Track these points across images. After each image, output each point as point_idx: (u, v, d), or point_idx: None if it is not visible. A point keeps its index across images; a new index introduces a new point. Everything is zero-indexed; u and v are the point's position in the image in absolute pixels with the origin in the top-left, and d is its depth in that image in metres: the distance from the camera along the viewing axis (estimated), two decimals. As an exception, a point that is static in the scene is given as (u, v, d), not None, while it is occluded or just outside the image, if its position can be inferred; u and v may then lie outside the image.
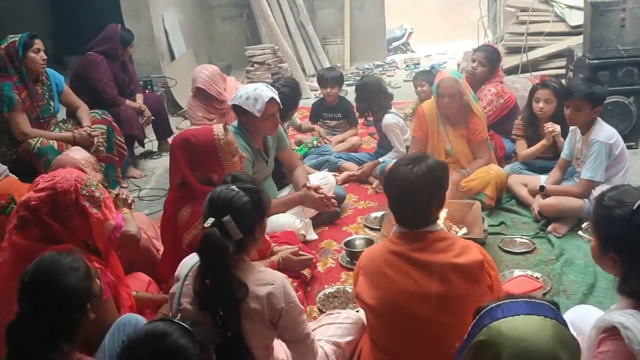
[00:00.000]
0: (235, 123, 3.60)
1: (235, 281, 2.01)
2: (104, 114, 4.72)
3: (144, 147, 5.41)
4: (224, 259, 2.02)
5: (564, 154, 3.86)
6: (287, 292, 2.07)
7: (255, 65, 7.27)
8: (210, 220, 2.03)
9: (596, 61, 4.56)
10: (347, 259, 3.42)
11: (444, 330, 2.01)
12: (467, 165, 4.03)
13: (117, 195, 3.12)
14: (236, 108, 3.46)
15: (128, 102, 5.18)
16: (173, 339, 1.52)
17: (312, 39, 8.71)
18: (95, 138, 4.37)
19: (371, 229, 3.82)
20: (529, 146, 4.20)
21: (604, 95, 3.58)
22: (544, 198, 3.70)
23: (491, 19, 10.73)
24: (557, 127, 3.99)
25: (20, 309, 1.75)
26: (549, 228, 3.55)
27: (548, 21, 6.50)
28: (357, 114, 5.05)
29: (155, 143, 5.70)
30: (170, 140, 5.52)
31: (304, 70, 8.22)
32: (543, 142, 4.08)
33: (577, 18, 6.24)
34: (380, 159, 4.48)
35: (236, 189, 2.11)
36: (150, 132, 5.64)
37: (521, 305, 1.34)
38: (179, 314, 1.91)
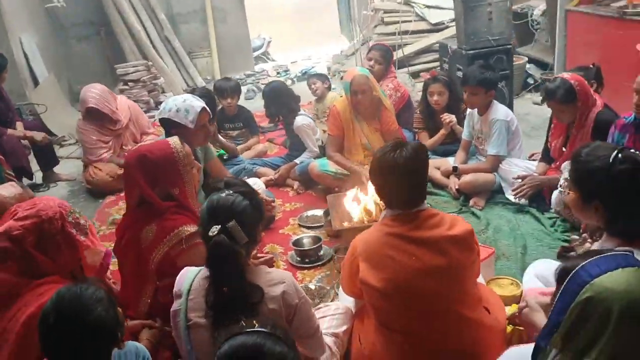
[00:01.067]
0: (162, 137, 3.48)
1: (250, 285, 2.01)
2: (-12, 147, 4.28)
3: (31, 179, 4.96)
4: (239, 265, 2.01)
5: (464, 136, 4.27)
6: (297, 287, 2.11)
7: (129, 83, 6.97)
8: (216, 228, 2.00)
9: (472, 52, 5.07)
10: (298, 258, 3.47)
11: (450, 301, 2.17)
12: (382, 156, 4.26)
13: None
14: (165, 122, 3.35)
15: (10, 131, 4.72)
16: (269, 348, 1.47)
17: (180, 54, 8.54)
18: None
19: (307, 227, 3.90)
20: (430, 136, 4.57)
21: (496, 80, 4.02)
22: (458, 178, 4.06)
23: (344, 24, 11.34)
24: (453, 117, 4.39)
25: (51, 352, 1.60)
26: (471, 202, 3.90)
27: (410, 20, 7.04)
28: (262, 120, 5.09)
29: (39, 174, 5.25)
30: (56, 169, 5.18)
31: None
32: (442, 131, 4.47)
33: (436, 16, 6.86)
34: (297, 160, 4.57)
35: (235, 193, 2.09)
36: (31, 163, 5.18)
37: (609, 259, 1.41)
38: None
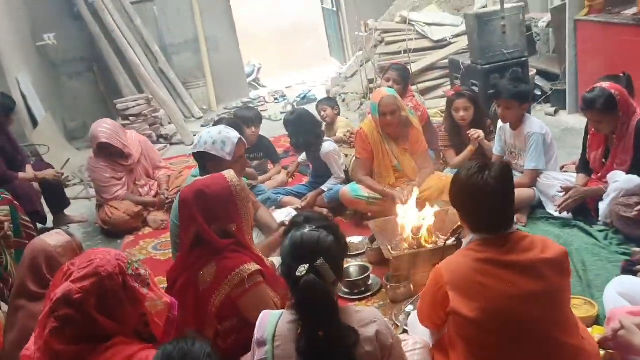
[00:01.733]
0: (194, 172, 3.33)
1: (344, 328, 1.86)
2: (3, 193, 4.06)
3: (45, 223, 4.74)
4: (332, 306, 1.86)
5: (496, 151, 4.18)
6: (388, 325, 1.98)
7: (130, 118, 6.80)
8: (304, 268, 1.84)
9: (487, 66, 5.03)
10: (346, 289, 3.31)
11: (549, 327, 2.04)
12: (414, 178, 4.15)
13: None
14: (200, 156, 3.19)
15: (21, 175, 4.52)
16: None
17: (175, 85, 8.41)
18: (6, 223, 3.74)
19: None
20: (457, 154, 4.47)
21: (529, 93, 3.95)
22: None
23: (335, 46, 11.31)
24: (481, 132, 4.30)
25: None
26: (516, 218, 3.78)
27: (412, 39, 7.00)
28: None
29: (50, 217, 5.02)
30: (67, 212, 4.97)
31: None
32: (470, 147, 4.37)
33: (438, 33, 6.83)
34: (324, 187, 4.43)
35: (318, 229, 1.94)
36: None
37: None
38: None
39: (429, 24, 6.92)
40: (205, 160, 3.19)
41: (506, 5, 4.95)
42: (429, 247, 3.22)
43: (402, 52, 6.68)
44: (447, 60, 6.36)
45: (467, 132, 4.33)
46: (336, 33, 10.79)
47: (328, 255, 1.89)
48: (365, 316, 1.94)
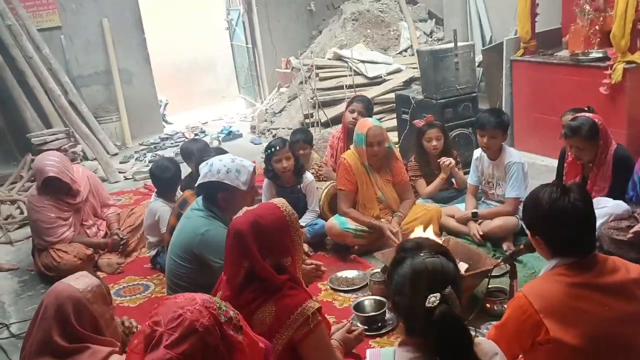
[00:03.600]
0: (196, 205, 3.02)
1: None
2: None
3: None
4: (470, 339, 1.71)
5: (472, 181, 4.27)
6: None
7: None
8: (436, 298, 1.69)
9: (442, 100, 5.18)
10: (364, 325, 3.13)
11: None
12: (395, 208, 4.11)
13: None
14: (209, 186, 2.91)
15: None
16: None
17: (88, 119, 7.75)
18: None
19: (344, 291, 3.58)
20: (427, 183, 4.51)
21: (508, 123, 4.08)
22: (478, 223, 4.01)
23: (244, 83, 11.19)
24: (452, 160, 4.39)
25: None
26: (504, 247, 3.86)
27: (346, 75, 7.10)
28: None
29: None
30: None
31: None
32: (442, 176, 4.44)
33: (372, 70, 6.98)
34: (301, 222, 4.23)
35: (436, 255, 1.80)
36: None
37: None
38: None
39: (363, 62, 7.04)
40: (215, 191, 2.92)
41: (459, 44, 5.16)
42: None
43: (345, 87, 6.70)
44: (386, 96, 6.49)
45: (438, 161, 4.40)
46: (249, 70, 10.69)
47: (454, 283, 1.75)
48: (488, 348, 1.82)
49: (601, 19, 5.22)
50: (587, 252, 2.09)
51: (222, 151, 3.52)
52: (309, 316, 2.21)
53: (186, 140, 5.45)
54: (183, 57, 13.16)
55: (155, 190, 4.13)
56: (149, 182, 6.31)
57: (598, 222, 3.52)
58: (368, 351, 1.87)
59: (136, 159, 7.45)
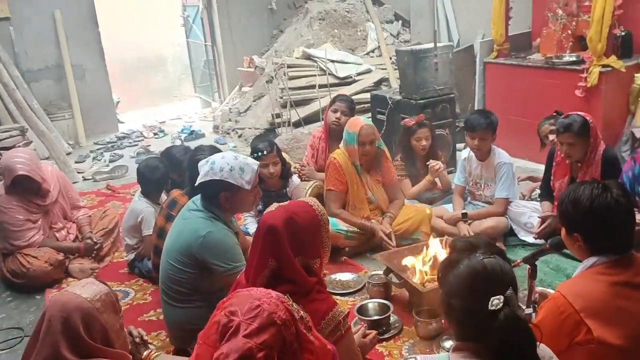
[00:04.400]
0: (193, 206, 2.83)
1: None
2: None
3: None
4: (535, 343, 1.63)
5: (459, 182, 4.25)
6: None
7: (1, 151, 5.72)
8: (499, 300, 1.60)
9: (422, 101, 5.15)
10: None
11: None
12: (385, 209, 4.03)
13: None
14: (212, 185, 2.72)
15: None
16: None
17: (40, 116, 7.31)
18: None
19: (341, 294, 3.46)
20: (412, 184, 4.46)
21: (497, 123, 4.07)
22: (467, 224, 3.98)
23: (200, 81, 10.89)
24: (441, 164, 4.36)
25: None
26: (497, 247, 3.83)
27: (315, 75, 6.98)
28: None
29: None
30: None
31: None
32: (428, 178, 4.39)
33: (342, 70, 6.90)
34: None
35: (492, 255, 1.71)
36: None
37: None
38: None
39: (333, 61, 6.95)
40: (217, 191, 2.73)
41: (438, 44, 5.15)
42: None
43: (317, 87, 6.58)
44: (357, 97, 6.40)
45: (428, 163, 4.35)
46: (206, 68, 10.41)
47: (513, 285, 1.67)
48: (545, 351, 1.75)
49: (574, 23, 5.34)
50: (626, 249, 2.06)
51: (216, 150, 3.33)
52: (340, 321, 2.10)
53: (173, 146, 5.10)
54: (131, 54, 12.72)
55: (141, 190, 3.87)
56: (112, 182, 6.04)
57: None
58: (419, 357, 1.76)
59: (94, 159, 7.07)
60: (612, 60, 4.81)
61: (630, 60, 4.98)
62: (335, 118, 4.57)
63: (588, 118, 3.63)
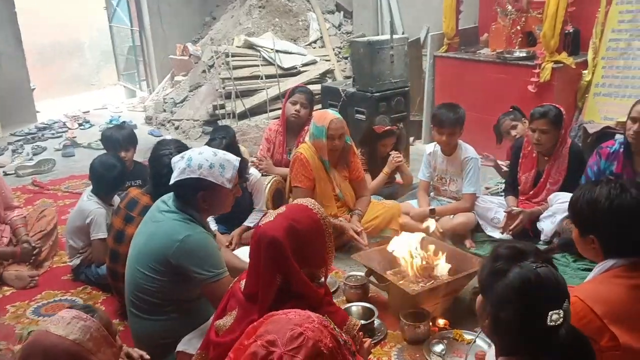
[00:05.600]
0: (164, 207, 2.53)
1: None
2: None
3: None
4: (594, 355, 1.52)
5: (424, 177, 4.16)
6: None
7: None
8: (559, 315, 1.47)
9: (378, 94, 5.02)
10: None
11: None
12: (352, 206, 3.88)
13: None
14: (190, 184, 2.43)
15: None
16: None
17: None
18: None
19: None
20: (372, 178, 4.33)
21: (465, 117, 4.00)
22: (436, 219, 3.89)
23: (125, 70, 10.29)
24: (402, 157, 4.28)
25: None
26: (467, 244, 3.78)
27: (258, 65, 6.70)
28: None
29: None
30: None
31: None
32: (385, 170, 4.30)
33: (287, 61, 6.66)
34: (248, 223, 3.82)
35: (542, 264, 1.58)
36: None
37: None
38: None
39: (277, 51, 6.69)
40: (197, 190, 2.45)
41: (394, 36, 5.03)
42: (443, 278, 2.96)
43: (264, 77, 6.30)
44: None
45: (389, 152, 4.26)
46: (132, 55, 9.83)
47: (568, 296, 1.54)
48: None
49: (523, 19, 5.39)
50: (640, 251, 2.00)
51: (181, 144, 3.02)
52: (354, 335, 1.90)
53: (108, 127, 4.73)
54: (47, 38, 11.79)
55: (91, 189, 3.48)
56: (38, 178, 5.51)
57: (560, 217, 3.58)
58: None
59: (13, 152, 6.43)
60: (564, 57, 4.89)
61: (579, 57, 5.09)
62: (295, 110, 4.36)
63: (562, 109, 3.65)
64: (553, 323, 1.46)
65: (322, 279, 1.98)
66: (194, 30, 9.29)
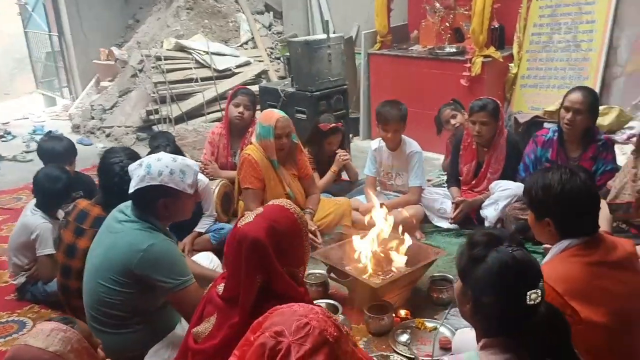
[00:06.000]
0: (122, 217, 2.45)
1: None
2: None
3: None
4: (569, 330, 1.62)
5: (370, 172, 4.26)
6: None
7: None
8: (537, 294, 1.57)
9: (317, 93, 5.07)
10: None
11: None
12: (303, 205, 3.90)
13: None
14: (150, 191, 2.37)
15: None
16: None
17: None
18: None
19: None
20: (320, 177, 4.38)
21: (407, 113, 4.11)
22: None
23: (44, 77, 9.83)
24: (348, 155, 4.37)
25: None
26: (418, 236, 3.88)
27: (190, 68, 6.59)
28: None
29: None
30: None
31: None
32: (334, 168, 4.37)
33: (221, 63, 6.59)
34: (199, 229, 3.74)
35: (517, 247, 1.67)
36: None
37: None
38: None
39: (211, 53, 6.60)
40: (157, 197, 2.39)
41: (330, 35, 5.09)
42: (403, 270, 3.03)
43: (199, 80, 6.20)
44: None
45: (336, 151, 4.33)
46: (52, 61, 9.40)
47: (542, 277, 1.64)
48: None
49: (451, 16, 5.60)
50: (594, 230, 2.14)
51: (132, 152, 2.92)
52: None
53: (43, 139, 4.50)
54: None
55: (35, 202, 3.31)
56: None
57: (502, 204, 3.76)
58: (446, 358, 1.67)
59: None
60: (492, 51, 5.12)
61: (505, 51, 5.35)
62: (238, 113, 4.33)
63: (498, 102, 3.84)
64: (532, 302, 1.54)
65: (301, 279, 1.99)
66: (117, 34, 9.01)
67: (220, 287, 1.97)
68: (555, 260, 2.17)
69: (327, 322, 1.37)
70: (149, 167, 2.38)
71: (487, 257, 1.63)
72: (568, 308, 1.99)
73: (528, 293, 1.55)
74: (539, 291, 1.56)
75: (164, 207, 2.42)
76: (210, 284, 2.09)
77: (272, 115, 3.69)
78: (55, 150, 3.87)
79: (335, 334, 1.36)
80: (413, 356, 2.64)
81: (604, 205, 3.26)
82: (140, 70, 7.06)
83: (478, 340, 1.69)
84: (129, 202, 2.48)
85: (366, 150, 5.41)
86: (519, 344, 1.59)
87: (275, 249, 1.85)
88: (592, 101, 3.47)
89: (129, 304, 2.40)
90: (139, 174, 2.38)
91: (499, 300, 1.59)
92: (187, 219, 2.62)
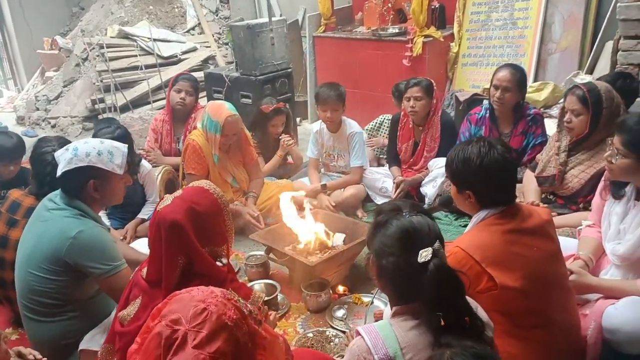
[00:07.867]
0: (52, 205, 2.45)
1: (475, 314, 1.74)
2: None
3: None
4: (464, 290, 1.71)
5: (312, 155, 4.32)
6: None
7: None
8: (428, 252, 1.64)
9: (262, 77, 5.08)
10: (258, 313, 2.93)
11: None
12: (247, 190, 3.94)
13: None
14: (78, 173, 2.36)
15: None
16: None
17: None
18: None
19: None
20: (265, 161, 4.41)
21: (345, 94, 4.16)
22: (327, 194, 4.06)
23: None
24: (293, 140, 4.42)
25: None
26: (360, 215, 3.97)
27: (136, 55, 6.51)
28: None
29: None
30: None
31: None
32: (279, 153, 4.42)
33: (166, 50, 6.53)
34: (143, 216, 3.75)
35: (417, 214, 1.75)
36: None
37: None
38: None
39: (155, 40, 6.52)
40: (85, 179, 2.39)
41: (273, 18, 5.10)
42: (339, 248, 3.10)
43: (144, 68, 6.12)
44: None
45: (280, 137, 4.35)
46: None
47: (440, 239, 1.72)
48: (471, 302, 1.83)
49: (393, -3, 5.66)
50: (512, 200, 2.24)
51: (64, 140, 2.89)
52: (260, 307, 1.98)
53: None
54: None
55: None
56: None
57: (440, 180, 3.87)
58: (360, 328, 1.74)
59: None
60: (433, 31, 5.21)
61: (446, 31, 5.44)
62: (180, 98, 4.32)
63: (432, 81, 3.94)
64: (423, 259, 1.62)
65: (225, 260, 2.03)
66: (62, 23, 8.81)
67: (145, 271, 2.00)
68: (474, 229, 2.27)
69: (226, 305, 1.38)
70: (75, 150, 2.38)
71: (389, 222, 1.71)
72: (485, 274, 2.10)
73: (420, 251, 1.63)
74: (430, 249, 1.63)
75: (93, 189, 2.42)
76: (137, 268, 2.12)
77: (221, 112, 3.65)
78: (3, 147, 3.75)
79: (234, 317, 1.37)
80: (348, 329, 2.72)
81: (532, 178, 3.42)
82: (85, 59, 6.93)
83: (391, 308, 1.77)
84: (59, 191, 2.48)
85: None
86: (425, 307, 1.67)
87: (195, 230, 1.89)
88: (519, 78, 3.59)
89: (62, 291, 2.40)
90: (66, 157, 2.37)
91: (396, 261, 1.67)
92: (119, 203, 2.62)
